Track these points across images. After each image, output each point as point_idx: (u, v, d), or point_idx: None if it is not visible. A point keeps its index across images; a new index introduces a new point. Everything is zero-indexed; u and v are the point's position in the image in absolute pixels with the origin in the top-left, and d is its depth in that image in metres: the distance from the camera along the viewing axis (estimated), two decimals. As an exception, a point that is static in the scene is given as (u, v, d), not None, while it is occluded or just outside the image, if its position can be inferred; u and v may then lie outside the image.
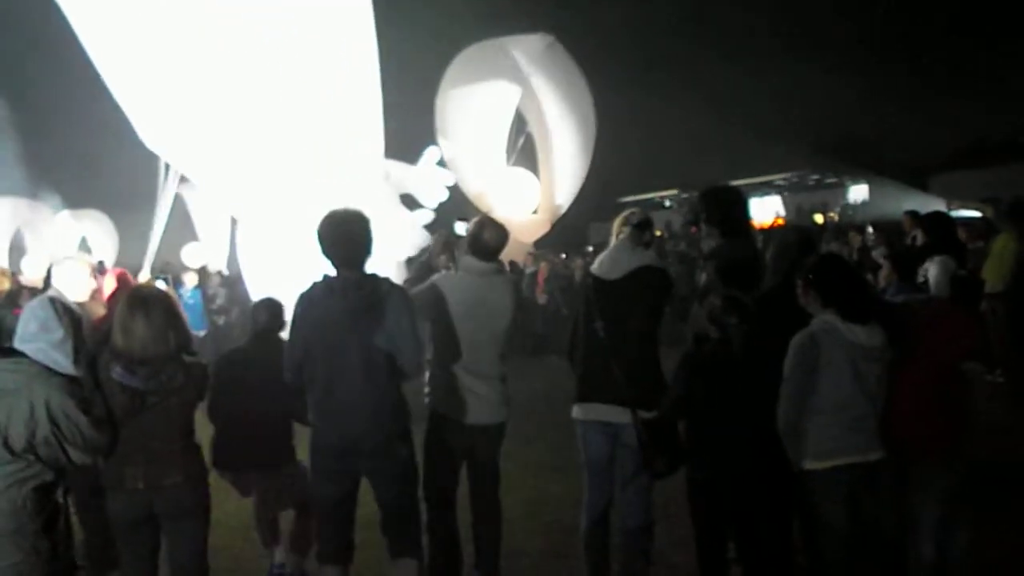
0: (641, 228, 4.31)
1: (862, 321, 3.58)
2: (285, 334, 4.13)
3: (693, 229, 12.36)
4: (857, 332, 3.56)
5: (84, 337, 3.38)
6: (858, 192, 30.16)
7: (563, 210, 16.71)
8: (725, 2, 27.16)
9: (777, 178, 32.01)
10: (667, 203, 34.80)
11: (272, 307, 4.87)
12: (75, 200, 18.62)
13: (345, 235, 3.81)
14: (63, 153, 19.74)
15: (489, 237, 4.41)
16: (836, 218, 26.41)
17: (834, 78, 24.83)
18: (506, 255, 5.36)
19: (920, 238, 7.37)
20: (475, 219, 4.61)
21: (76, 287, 4.94)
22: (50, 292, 4.65)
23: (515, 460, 6.39)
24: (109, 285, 5.83)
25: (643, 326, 4.15)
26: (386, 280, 3.87)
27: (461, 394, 4.26)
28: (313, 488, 3.99)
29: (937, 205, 21.50)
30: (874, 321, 3.61)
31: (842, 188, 31.35)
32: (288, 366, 3.91)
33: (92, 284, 5.14)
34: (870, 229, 12.78)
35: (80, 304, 4.64)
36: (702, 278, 4.50)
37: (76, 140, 21.22)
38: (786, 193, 32.87)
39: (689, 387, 3.80)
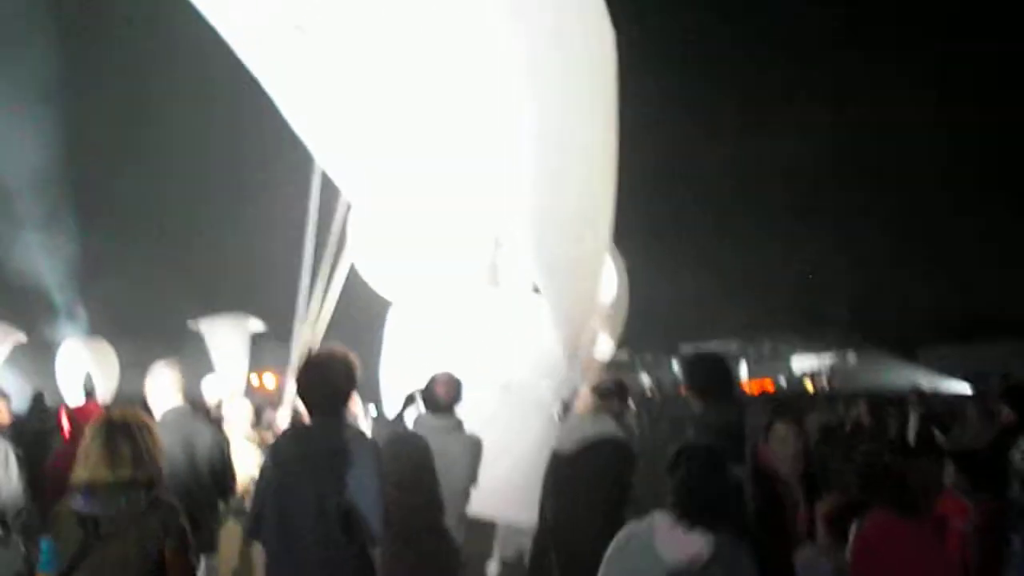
0: (604, 396, 4.14)
1: (689, 524, 2.83)
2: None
3: (682, 390, 12.33)
4: (675, 539, 2.83)
5: None
6: (801, 362, 30.05)
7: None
8: (713, 176, 28.34)
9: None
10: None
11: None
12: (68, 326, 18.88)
13: (319, 379, 3.45)
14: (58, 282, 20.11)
15: (442, 391, 4.27)
16: (827, 386, 26.56)
17: (822, 249, 25.57)
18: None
19: (1008, 413, 6.34)
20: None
21: None
22: None
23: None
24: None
25: (596, 508, 3.72)
26: (354, 429, 3.58)
27: None
28: None
29: (926, 376, 21.80)
30: (708, 530, 2.83)
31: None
32: (249, 518, 3.50)
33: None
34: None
35: None
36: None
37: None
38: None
39: None
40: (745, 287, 27.11)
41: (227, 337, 15.76)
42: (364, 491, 3.26)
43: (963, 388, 21.42)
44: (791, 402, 15.58)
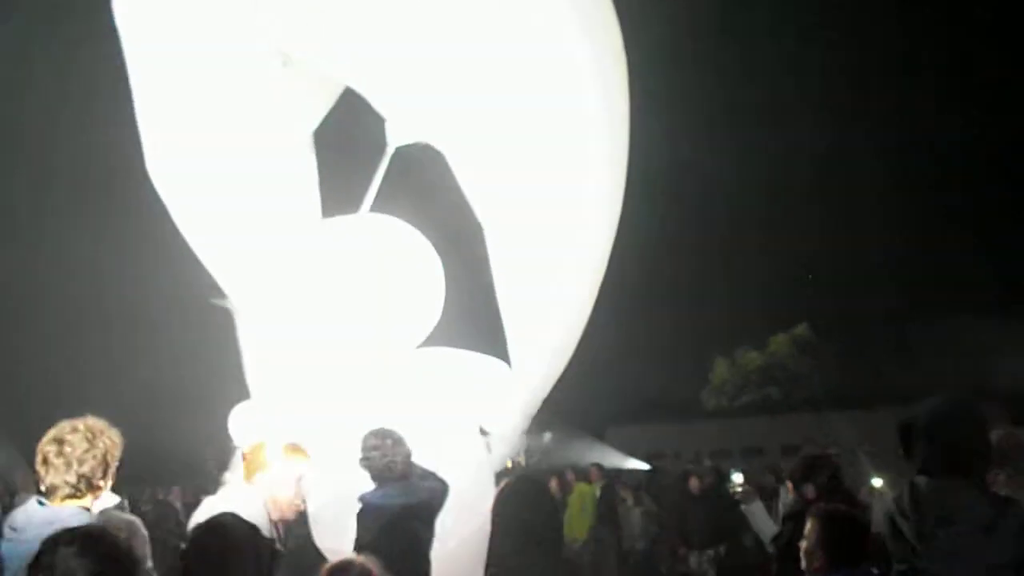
0: None
1: None
2: None
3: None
4: None
5: None
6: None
7: None
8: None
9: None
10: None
11: None
12: None
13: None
14: None
15: None
16: (523, 463, 27.22)
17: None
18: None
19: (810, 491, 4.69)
20: None
21: None
22: None
23: None
24: None
25: None
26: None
27: None
28: None
29: (613, 456, 23.14)
30: None
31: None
32: None
33: None
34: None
35: None
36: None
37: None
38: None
39: None
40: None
41: None
42: None
43: (643, 465, 22.97)
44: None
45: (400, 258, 5.13)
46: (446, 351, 5.48)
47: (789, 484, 4.73)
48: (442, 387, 5.14)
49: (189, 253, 5.21)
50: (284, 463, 3.61)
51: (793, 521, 4.26)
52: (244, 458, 3.68)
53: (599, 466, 12.35)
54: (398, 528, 3.97)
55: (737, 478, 5.10)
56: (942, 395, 3.09)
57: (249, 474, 3.56)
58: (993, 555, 2.74)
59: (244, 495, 3.50)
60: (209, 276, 5.35)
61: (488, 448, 5.21)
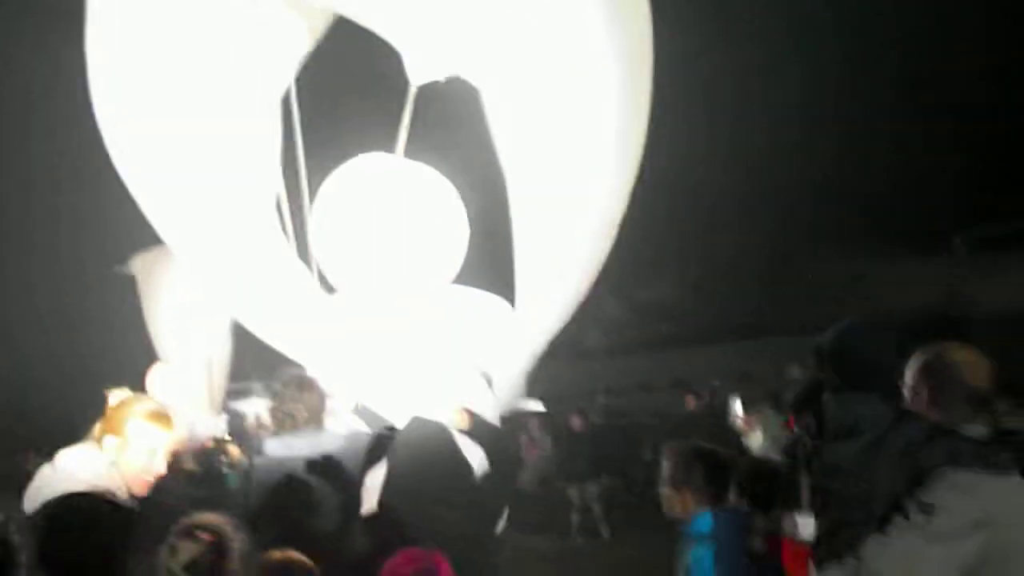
0: None
1: None
2: None
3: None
4: None
5: None
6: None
7: None
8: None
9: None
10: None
11: None
12: None
13: None
14: None
15: None
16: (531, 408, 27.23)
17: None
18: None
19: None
20: None
21: None
22: None
23: None
24: None
25: None
26: None
27: None
28: None
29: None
30: None
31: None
32: None
33: None
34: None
35: None
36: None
37: None
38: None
39: None
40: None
41: None
42: None
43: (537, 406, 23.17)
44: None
45: (424, 204, 4.81)
46: (450, 288, 5.18)
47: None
48: (445, 326, 4.89)
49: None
50: (140, 430, 3.27)
51: (792, 456, 4.13)
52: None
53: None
54: (286, 481, 3.68)
55: (737, 408, 4.97)
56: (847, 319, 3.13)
57: (103, 432, 3.23)
58: (879, 468, 2.76)
59: (90, 461, 3.16)
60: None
61: (491, 392, 5.04)
